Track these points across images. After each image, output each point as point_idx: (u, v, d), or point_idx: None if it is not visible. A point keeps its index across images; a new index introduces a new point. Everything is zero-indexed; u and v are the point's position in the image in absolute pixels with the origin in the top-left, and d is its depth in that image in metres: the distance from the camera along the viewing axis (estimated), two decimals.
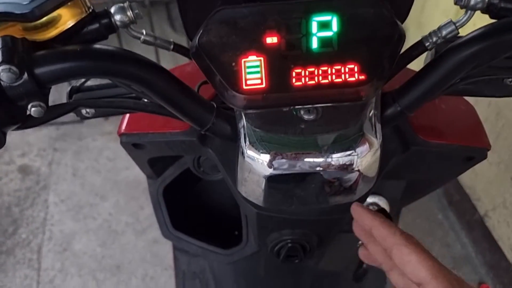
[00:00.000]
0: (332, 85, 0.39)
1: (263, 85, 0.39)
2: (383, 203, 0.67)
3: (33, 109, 0.35)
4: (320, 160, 0.41)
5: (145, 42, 0.43)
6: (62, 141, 2.10)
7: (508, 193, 1.46)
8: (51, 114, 0.38)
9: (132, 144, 0.56)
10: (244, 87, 0.39)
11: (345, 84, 0.39)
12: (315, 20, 0.39)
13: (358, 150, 0.42)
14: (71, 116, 0.45)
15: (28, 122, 0.37)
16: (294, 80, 0.39)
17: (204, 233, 0.76)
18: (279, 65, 0.39)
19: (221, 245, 0.74)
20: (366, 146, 0.42)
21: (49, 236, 1.75)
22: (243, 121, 0.42)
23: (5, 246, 1.71)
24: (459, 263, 1.68)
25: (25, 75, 0.34)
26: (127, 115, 0.58)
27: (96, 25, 0.39)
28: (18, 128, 0.37)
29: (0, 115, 0.34)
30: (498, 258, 1.57)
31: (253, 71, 0.39)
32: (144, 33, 0.42)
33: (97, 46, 0.36)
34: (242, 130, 0.42)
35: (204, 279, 0.97)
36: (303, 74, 0.39)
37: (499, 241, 1.56)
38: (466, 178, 1.69)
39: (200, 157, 0.61)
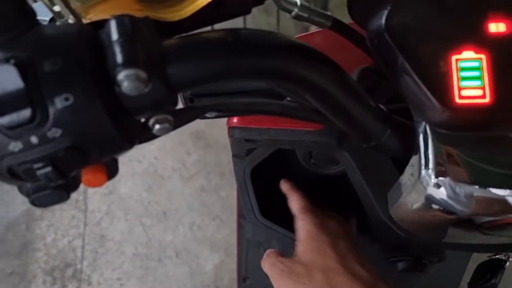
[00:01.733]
0: None
1: (486, 99, 0.26)
2: None
3: (157, 126, 0.24)
4: None
5: (297, 17, 0.30)
6: None
7: None
8: (177, 122, 0.27)
9: (246, 139, 0.45)
10: (458, 100, 0.26)
11: None
12: None
13: None
14: None
15: (145, 139, 0.26)
16: None
17: (289, 219, 0.67)
18: (509, 69, 0.26)
19: None
20: None
21: None
22: (428, 137, 0.30)
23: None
24: None
25: (156, 81, 0.22)
26: None
27: None
28: (137, 144, 0.26)
29: (116, 140, 0.23)
30: None
31: (469, 76, 0.26)
32: (299, 3, 0.30)
33: (253, 31, 0.24)
34: (422, 148, 0.30)
35: (269, 249, 0.90)
36: None
37: None
38: None
39: None
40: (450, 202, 0.30)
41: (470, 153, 0.29)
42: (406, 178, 0.33)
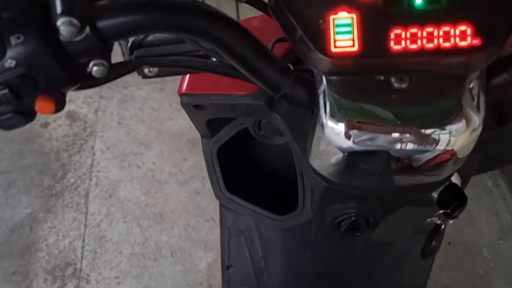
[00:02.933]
0: (438, 50, 0.33)
1: (355, 48, 0.33)
2: (455, 177, 0.62)
3: (95, 68, 0.32)
4: (409, 136, 0.36)
5: None
6: (108, 89, 2.10)
7: None
8: (114, 74, 0.35)
9: (193, 105, 0.52)
10: (333, 49, 0.33)
11: (455, 50, 0.32)
12: None
13: (454, 127, 0.37)
14: None
15: (88, 82, 0.34)
16: (392, 43, 0.33)
17: (255, 195, 0.73)
18: (375, 24, 0.33)
19: (274, 210, 0.71)
20: (463, 123, 0.37)
21: (96, 182, 1.79)
22: (324, 87, 0.37)
23: (54, 189, 1.77)
24: (507, 233, 1.60)
25: (87, 29, 0.30)
26: (188, 75, 0.54)
27: None
28: (78, 89, 0.34)
29: (59, 74, 0.30)
30: None
31: (343, 31, 0.33)
32: None
33: None
34: (321, 98, 0.38)
35: (249, 237, 0.96)
36: (403, 36, 0.33)
37: None
38: None
39: (261, 120, 0.57)
40: (340, 138, 0.36)
41: (355, 96, 0.36)
42: (312, 126, 0.40)
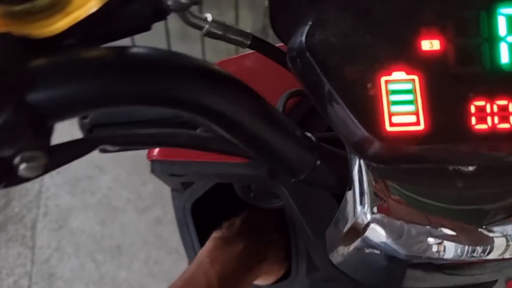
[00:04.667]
0: None
1: (421, 126, 0.23)
2: None
3: (23, 165, 0.19)
4: (482, 240, 0.26)
5: (209, 34, 0.26)
6: None
7: None
8: (58, 160, 0.22)
9: (169, 174, 0.40)
10: (388, 127, 0.23)
11: None
12: (504, 14, 0.23)
13: None
14: None
15: (16, 179, 0.21)
16: (474, 120, 0.23)
17: None
18: (447, 91, 0.23)
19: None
20: None
21: (44, 211, 1.61)
22: (362, 169, 0.26)
23: None
24: None
25: (11, 108, 0.18)
26: None
27: (136, 8, 0.22)
28: (3, 187, 0.21)
29: None
30: None
31: (401, 100, 0.23)
32: (210, 19, 0.26)
33: (144, 49, 0.20)
34: (357, 181, 0.27)
35: None
36: (489, 109, 0.23)
37: None
38: None
39: None
40: (389, 243, 0.26)
41: (409, 187, 0.26)
42: (341, 216, 0.29)
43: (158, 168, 0.40)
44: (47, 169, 0.22)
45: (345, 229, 0.29)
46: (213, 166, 0.38)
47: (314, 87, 0.24)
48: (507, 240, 0.27)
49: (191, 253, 0.59)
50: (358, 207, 0.27)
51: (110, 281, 1.46)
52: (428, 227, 0.26)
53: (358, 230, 0.27)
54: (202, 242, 0.60)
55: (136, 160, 1.75)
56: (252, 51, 0.33)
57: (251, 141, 0.24)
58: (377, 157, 0.24)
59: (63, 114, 0.19)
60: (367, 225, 0.26)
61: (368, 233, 0.26)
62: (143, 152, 1.80)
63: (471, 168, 0.26)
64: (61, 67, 0.19)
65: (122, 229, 1.57)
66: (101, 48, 0.20)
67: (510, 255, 0.27)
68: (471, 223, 0.26)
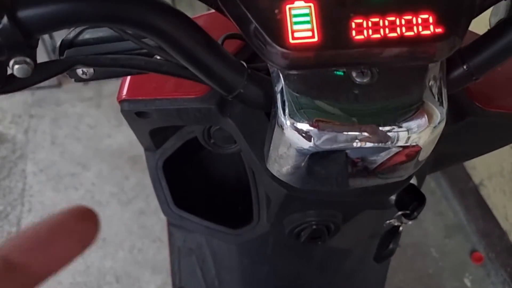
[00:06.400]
0: (401, 40, 0.31)
1: (315, 39, 0.31)
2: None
3: (16, 66, 0.26)
4: (375, 133, 0.34)
5: None
6: (38, 107, 1.96)
7: (506, 162, 1.43)
8: (40, 74, 0.29)
9: (136, 112, 0.47)
10: (291, 40, 0.30)
11: (418, 38, 0.31)
12: None
13: (416, 122, 0.35)
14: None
15: (10, 85, 0.28)
16: (354, 32, 0.31)
17: (206, 210, 0.69)
18: (334, 14, 0.31)
19: (227, 224, 0.67)
20: (425, 118, 0.35)
21: (29, 208, 1.65)
22: (282, 85, 0.34)
23: None
24: (452, 232, 1.66)
25: (5, 20, 0.25)
26: (128, 78, 0.49)
27: None
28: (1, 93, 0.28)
29: None
30: (491, 227, 1.56)
31: (301, 21, 0.31)
32: None
33: None
34: (279, 97, 0.34)
35: (201, 255, 0.91)
36: (365, 25, 0.31)
37: (494, 210, 1.54)
38: None
39: (211, 127, 0.53)
40: (300, 139, 0.33)
41: (316, 93, 0.33)
42: (270, 130, 0.37)
43: (126, 106, 0.47)
44: (34, 77, 0.28)
45: (273, 137, 0.36)
46: (172, 102, 0.45)
47: (240, 20, 0.32)
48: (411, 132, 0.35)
49: (164, 207, 0.66)
50: (281, 115, 0.34)
51: (96, 271, 1.51)
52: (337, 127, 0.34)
53: (281, 134, 0.35)
54: (174, 197, 0.67)
55: (118, 157, 1.81)
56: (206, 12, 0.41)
57: (194, 60, 0.32)
58: (286, 64, 0.31)
59: (46, 28, 0.26)
60: (287, 127, 0.34)
61: (287, 133, 0.34)
62: (125, 149, 1.85)
63: (365, 80, 0.34)
64: None
65: (107, 221, 1.62)
66: None
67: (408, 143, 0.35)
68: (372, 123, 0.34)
